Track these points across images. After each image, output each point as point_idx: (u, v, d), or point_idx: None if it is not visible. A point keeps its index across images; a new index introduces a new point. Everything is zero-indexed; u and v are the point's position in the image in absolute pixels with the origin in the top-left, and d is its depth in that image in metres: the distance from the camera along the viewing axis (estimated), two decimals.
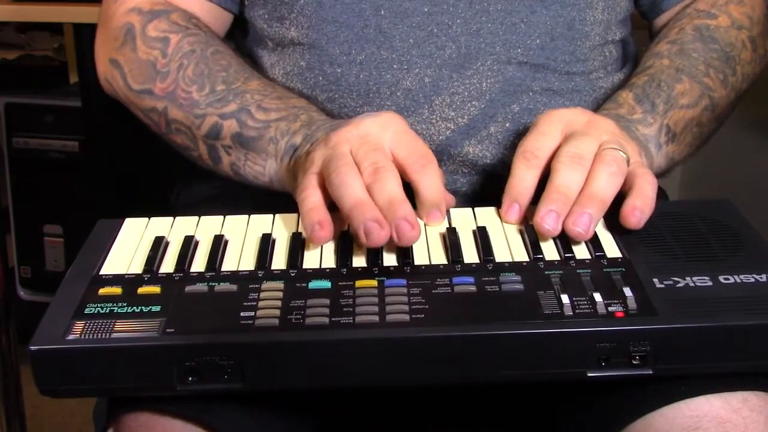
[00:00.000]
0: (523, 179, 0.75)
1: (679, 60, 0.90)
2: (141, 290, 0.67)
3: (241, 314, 0.64)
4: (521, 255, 0.71)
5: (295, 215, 0.78)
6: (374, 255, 0.71)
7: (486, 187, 0.91)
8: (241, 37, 1.00)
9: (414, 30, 0.88)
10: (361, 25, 0.88)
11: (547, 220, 0.71)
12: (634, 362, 0.63)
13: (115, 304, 0.66)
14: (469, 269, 0.69)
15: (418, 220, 0.72)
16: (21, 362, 1.35)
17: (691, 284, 0.67)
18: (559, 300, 0.65)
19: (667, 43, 0.93)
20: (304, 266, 0.70)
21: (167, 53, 0.88)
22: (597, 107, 0.92)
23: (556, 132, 0.76)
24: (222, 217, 0.78)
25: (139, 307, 0.65)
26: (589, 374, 0.63)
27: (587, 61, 0.92)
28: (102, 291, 0.67)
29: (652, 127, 0.85)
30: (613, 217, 0.73)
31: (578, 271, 0.68)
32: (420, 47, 0.88)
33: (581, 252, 0.71)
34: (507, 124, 0.90)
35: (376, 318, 0.64)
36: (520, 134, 0.90)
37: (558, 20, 0.89)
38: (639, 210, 0.72)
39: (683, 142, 0.88)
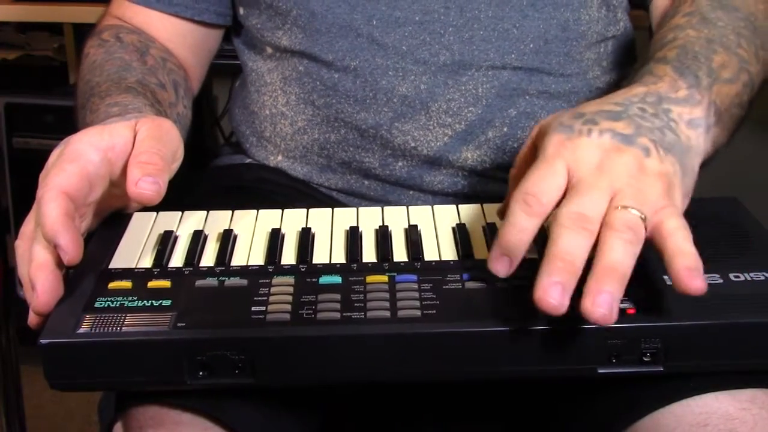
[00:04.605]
0: (520, 228, 0.61)
1: (705, 29, 0.77)
2: (151, 284, 0.67)
3: (252, 309, 0.64)
4: (531, 251, 0.71)
5: (303, 210, 0.78)
6: (384, 250, 0.71)
7: (487, 189, 0.91)
8: (239, 43, 1.00)
9: (407, 39, 0.88)
10: (354, 35, 0.88)
11: (552, 293, 0.57)
12: (645, 359, 0.63)
13: (125, 298, 0.66)
14: (479, 265, 0.69)
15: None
16: (21, 362, 1.35)
17: None
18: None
19: (683, 15, 0.80)
20: (314, 261, 0.70)
21: (83, 69, 0.91)
22: None
23: (561, 173, 0.62)
24: (230, 211, 0.78)
25: (150, 301, 0.65)
26: (599, 371, 0.63)
27: (582, 60, 0.91)
28: (112, 285, 0.67)
29: (701, 105, 0.69)
30: None
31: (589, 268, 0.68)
32: (414, 54, 0.88)
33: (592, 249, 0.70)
34: (505, 129, 0.89)
35: (387, 313, 0.64)
36: (518, 138, 0.89)
37: (551, 23, 0.89)
38: (693, 270, 0.58)
39: (725, 126, 0.73)
